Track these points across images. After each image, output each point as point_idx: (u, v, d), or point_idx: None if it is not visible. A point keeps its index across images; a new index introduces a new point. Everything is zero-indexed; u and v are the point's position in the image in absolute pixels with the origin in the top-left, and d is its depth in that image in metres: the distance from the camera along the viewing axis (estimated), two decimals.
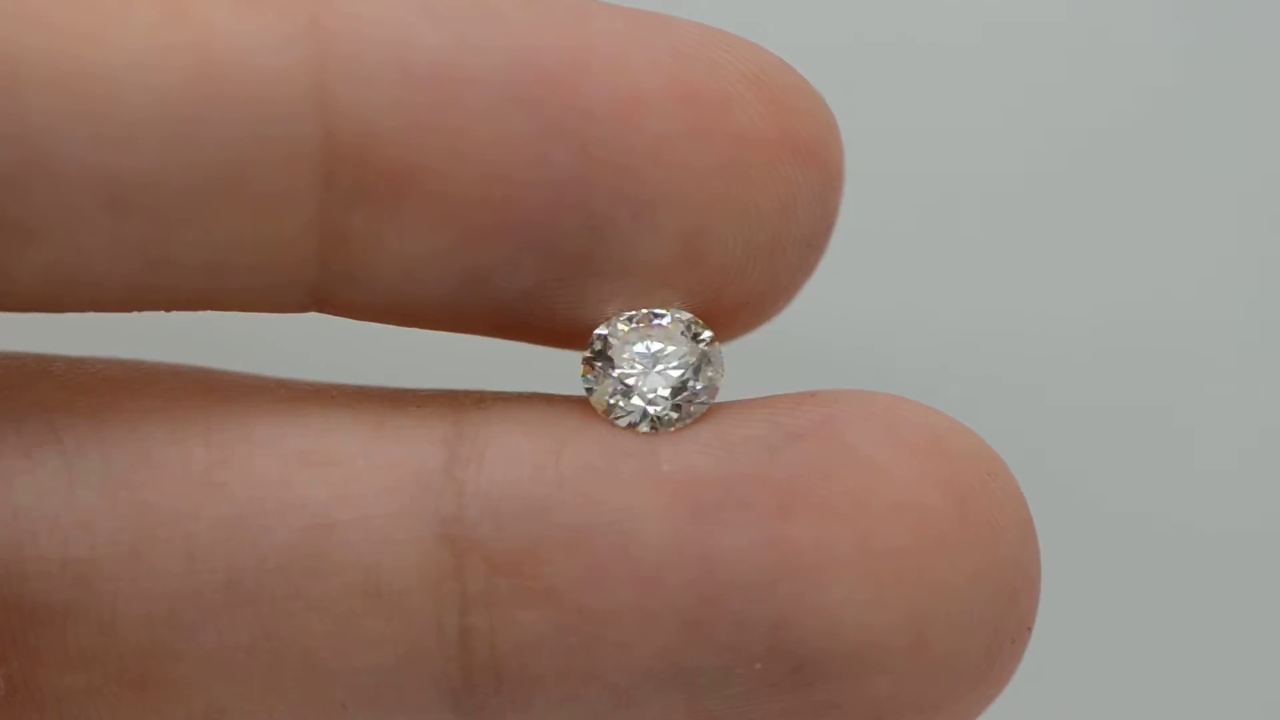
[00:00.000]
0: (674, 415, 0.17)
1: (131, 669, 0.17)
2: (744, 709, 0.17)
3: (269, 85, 0.15)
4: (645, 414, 0.17)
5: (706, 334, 0.17)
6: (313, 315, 0.17)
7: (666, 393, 0.17)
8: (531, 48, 0.16)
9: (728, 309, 0.17)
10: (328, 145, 0.15)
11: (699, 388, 0.17)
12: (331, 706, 0.17)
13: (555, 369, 0.18)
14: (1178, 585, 0.27)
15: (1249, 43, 0.28)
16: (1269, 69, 0.28)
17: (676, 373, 0.17)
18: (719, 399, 0.17)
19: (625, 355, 0.17)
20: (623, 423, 0.17)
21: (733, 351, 0.18)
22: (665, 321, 0.17)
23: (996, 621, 0.17)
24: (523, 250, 0.16)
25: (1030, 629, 0.17)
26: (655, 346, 0.17)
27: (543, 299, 0.17)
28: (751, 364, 0.18)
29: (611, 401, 0.17)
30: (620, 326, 0.17)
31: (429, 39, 0.15)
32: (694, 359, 0.17)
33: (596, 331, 0.17)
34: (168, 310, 0.16)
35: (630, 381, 0.17)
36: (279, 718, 0.17)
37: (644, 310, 0.17)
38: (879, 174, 0.21)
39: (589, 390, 0.17)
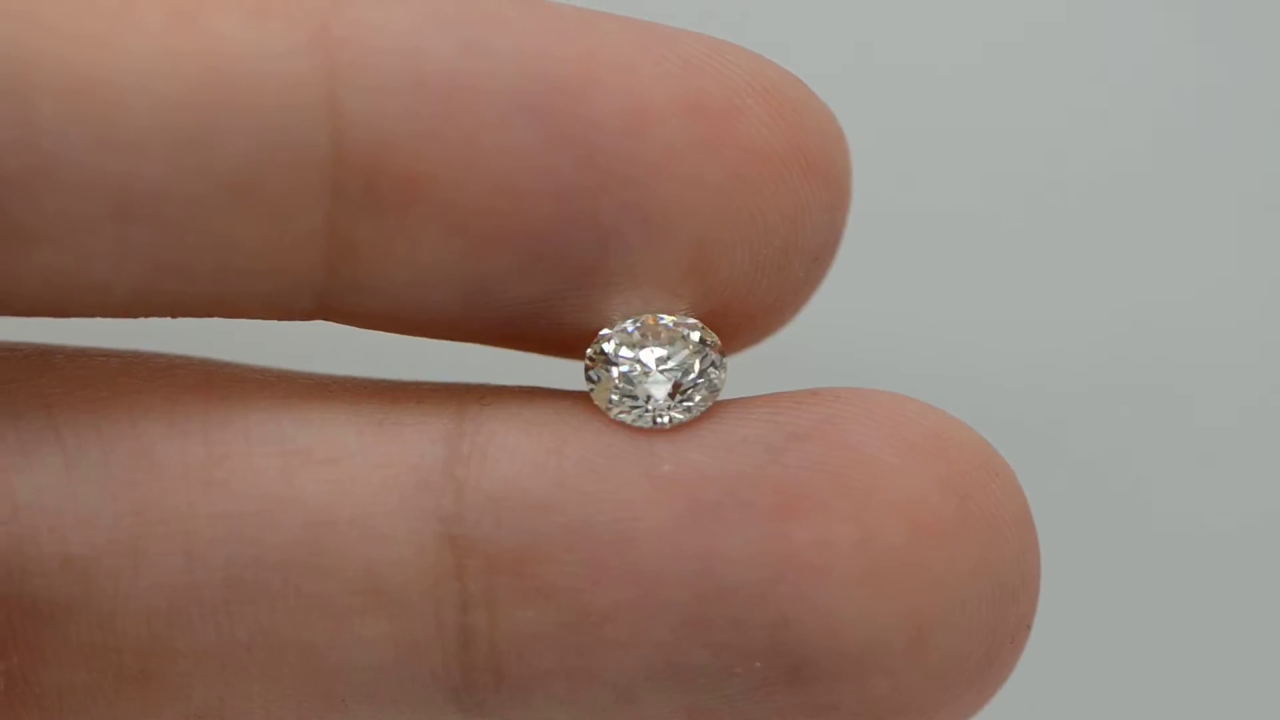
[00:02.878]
0: (675, 415, 0.17)
1: (131, 665, 0.17)
2: (743, 708, 0.17)
3: (277, 93, 0.15)
4: (646, 411, 0.17)
5: (710, 337, 0.17)
6: (318, 322, 0.17)
7: (668, 389, 0.17)
8: (541, 57, 0.15)
9: (734, 321, 0.17)
10: (336, 153, 0.15)
11: (700, 383, 0.17)
12: (331, 703, 0.17)
13: (559, 374, 0.18)
14: (1180, 585, 0.27)
15: (1251, 49, 0.28)
16: (1269, 74, 0.28)
17: (678, 371, 0.17)
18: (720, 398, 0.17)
19: (628, 355, 0.17)
20: (625, 419, 0.17)
21: (736, 357, 0.18)
22: (669, 323, 0.17)
23: (996, 620, 0.17)
24: (529, 260, 0.16)
25: (1029, 627, 0.17)
26: (658, 348, 0.17)
27: (549, 309, 0.17)
28: (754, 369, 0.18)
29: (613, 399, 0.17)
30: (624, 327, 0.17)
31: (438, 47, 0.15)
32: (696, 359, 0.17)
33: (601, 332, 0.17)
34: (173, 316, 0.16)
35: (633, 379, 0.17)
36: (279, 714, 0.17)
37: (649, 314, 0.17)
38: (884, 185, 0.21)
39: (591, 388, 0.17)
